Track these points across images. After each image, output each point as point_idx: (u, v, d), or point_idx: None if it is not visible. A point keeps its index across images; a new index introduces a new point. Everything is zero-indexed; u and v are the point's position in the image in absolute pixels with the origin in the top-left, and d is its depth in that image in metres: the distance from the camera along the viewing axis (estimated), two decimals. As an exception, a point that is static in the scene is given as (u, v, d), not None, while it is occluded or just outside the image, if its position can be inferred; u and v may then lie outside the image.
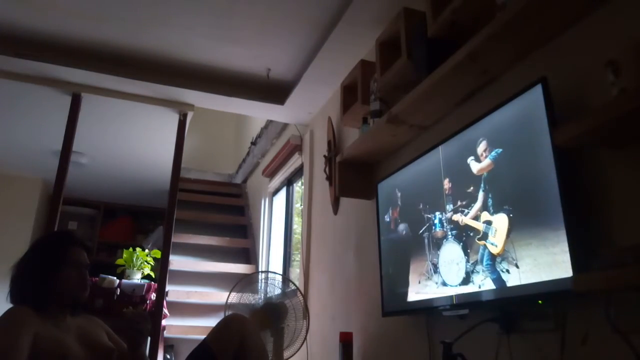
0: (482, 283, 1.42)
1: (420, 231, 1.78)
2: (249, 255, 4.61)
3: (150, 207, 5.57)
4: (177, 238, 3.96)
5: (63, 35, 2.75)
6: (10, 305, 1.53)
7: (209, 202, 5.03)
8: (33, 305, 1.51)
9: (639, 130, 1.06)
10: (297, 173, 3.87)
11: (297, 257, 3.74)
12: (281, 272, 3.72)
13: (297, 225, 3.87)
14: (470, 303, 1.49)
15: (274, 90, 3.21)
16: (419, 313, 1.84)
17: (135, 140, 3.96)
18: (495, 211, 1.39)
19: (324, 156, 2.90)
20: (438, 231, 1.68)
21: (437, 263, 1.66)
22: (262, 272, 2.94)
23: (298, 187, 4.01)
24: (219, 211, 4.98)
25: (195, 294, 3.96)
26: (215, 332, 1.82)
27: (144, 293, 3.64)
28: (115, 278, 3.69)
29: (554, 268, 1.17)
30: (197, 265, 4.21)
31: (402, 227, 1.91)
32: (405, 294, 1.83)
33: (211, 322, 3.32)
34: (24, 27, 2.68)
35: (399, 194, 1.96)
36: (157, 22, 2.60)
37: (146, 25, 2.64)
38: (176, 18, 2.56)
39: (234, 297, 2.64)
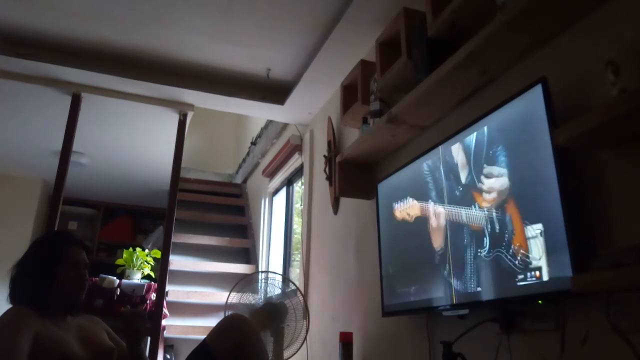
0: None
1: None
2: (249, 255, 4.61)
3: (150, 207, 5.57)
4: (177, 238, 3.95)
5: (63, 35, 2.75)
6: (10, 306, 1.54)
7: (209, 202, 5.02)
8: (33, 305, 1.51)
9: (639, 130, 1.06)
10: (297, 173, 3.87)
11: (297, 257, 3.74)
12: (281, 272, 3.72)
13: (297, 225, 3.87)
14: (470, 303, 1.49)
15: (273, 90, 3.21)
16: (419, 313, 1.84)
17: (136, 140, 3.96)
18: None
19: (324, 156, 2.90)
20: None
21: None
22: (262, 272, 2.94)
23: (298, 187, 4.01)
24: (219, 211, 4.97)
25: (195, 294, 3.95)
26: (215, 332, 1.81)
27: (144, 293, 3.64)
28: (115, 278, 3.69)
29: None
30: (197, 265, 4.21)
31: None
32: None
33: (211, 322, 3.33)
34: (23, 27, 2.68)
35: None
36: (157, 22, 2.60)
37: (146, 25, 2.64)
38: (176, 18, 2.56)
39: (234, 297, 2.64)
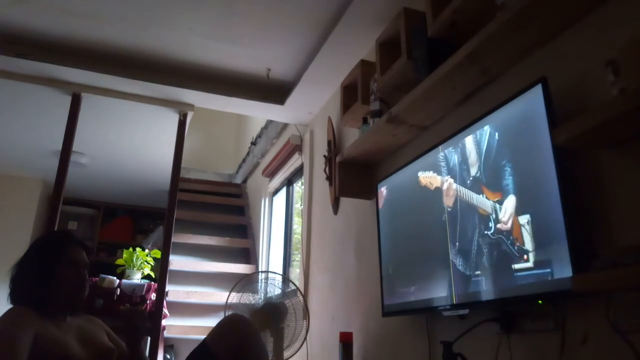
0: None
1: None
2: (249, 255, 4.61)
3: (150, 207, 5.58)
4: (177, 238, 3.96)
5: (63, 35, 2.75)
6: (10, 306, 1.53)
7: (209, 202, 5.02)
8: (33, 305, 1.51)
9: (639, 130, 1.06)
10: (297, 173, 3.87)
11: (297, 257, 3.74)
12: (281, 272, 3.72)
13: (297, 225, 3.87)
14: (470, 303, 1.49)
15: (274, 90, 3.21)
16: (419, 313, 1.84)
17: (135, 140, 3.96)
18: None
19: (324, 156, 2.90)
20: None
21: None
22: (262, 272, 2.94)
23: (298, 187, 4.01)
24: (219, 211, 4.98)
25: (195, 294, 3.96)
26: (216, 332, 1.81)
27: (144, 293, 3.64)
28: (115, 278, 3.69)
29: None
30: (197, 265, 4.21)
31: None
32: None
33: (211, 322, 3.32)
34: (24, 27, 2.68)
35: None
36: (158, 22, 2.60)
37: (146, 25, 2.64)
38: (176, 18, 2.56)
39: (234, 297, 2.63)
